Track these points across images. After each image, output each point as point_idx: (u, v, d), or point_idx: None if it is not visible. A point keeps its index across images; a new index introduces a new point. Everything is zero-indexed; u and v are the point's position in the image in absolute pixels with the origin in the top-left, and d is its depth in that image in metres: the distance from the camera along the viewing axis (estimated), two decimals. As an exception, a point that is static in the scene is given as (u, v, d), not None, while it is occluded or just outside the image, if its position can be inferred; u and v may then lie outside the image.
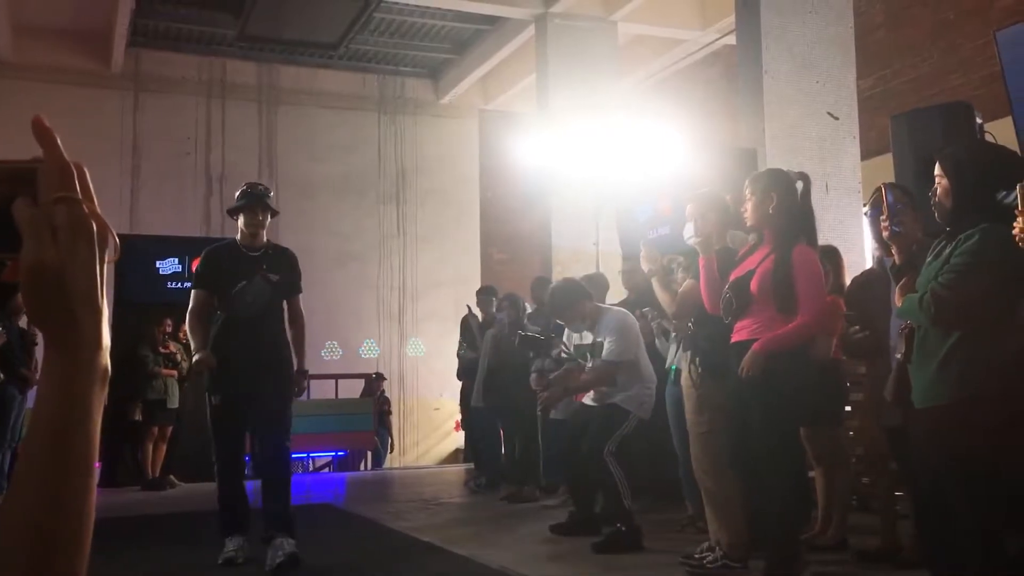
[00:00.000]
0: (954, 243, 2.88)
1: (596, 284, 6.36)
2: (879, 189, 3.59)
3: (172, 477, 8.93)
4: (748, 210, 3.76)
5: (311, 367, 11.69)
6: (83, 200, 0.73)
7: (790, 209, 3.73)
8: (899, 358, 3.17)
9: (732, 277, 3.83)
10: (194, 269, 4.97)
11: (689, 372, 4.26)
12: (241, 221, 4.90)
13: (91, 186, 0.75)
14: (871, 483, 4.60)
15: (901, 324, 3.15)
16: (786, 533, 3.76)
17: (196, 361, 4.80)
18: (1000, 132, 5.32)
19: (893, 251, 3.30)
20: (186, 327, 4.90)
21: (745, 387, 3.72)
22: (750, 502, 4.10)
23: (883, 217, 3.31)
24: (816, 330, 3.88)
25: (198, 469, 9.11)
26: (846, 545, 4.65)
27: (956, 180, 2.93)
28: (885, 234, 3.30)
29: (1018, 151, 5.02)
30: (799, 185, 3.83)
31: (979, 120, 4.95)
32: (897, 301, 3.12)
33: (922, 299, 2.86)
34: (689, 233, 4.10)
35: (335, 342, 12.35)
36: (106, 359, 0.74)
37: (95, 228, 0.73)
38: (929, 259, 3.04)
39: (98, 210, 0.75)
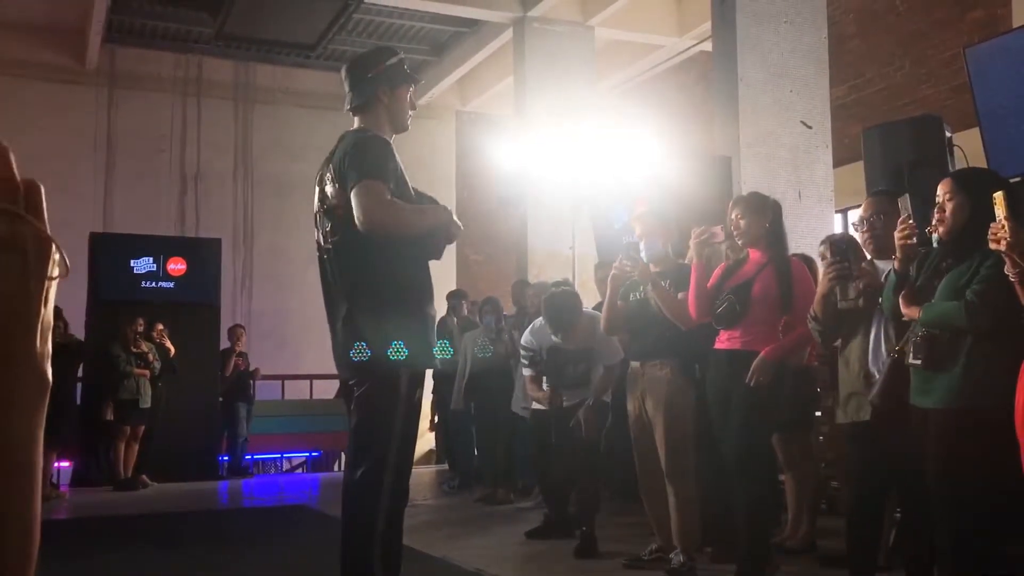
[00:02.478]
0: (981, 255, 3.02)
1: None
2: (902, 197, 3.61)
3: (144, 477, 8.90)
4: (741, 228, 3.96)
5: (287, 367, 11.78)
6: (25, 215, 0.73)
7: (780, 226, 4.02)
8: (894, 358, 3.29)
9: (727, 286, 3.97)
10: (369, 158, 2.94)
11: (671, 379, 4.32)
12: (399, 102, 3.16)
13: (42, 202, 0.74)
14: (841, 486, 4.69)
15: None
16: (758, 535, 3.85)
17: (445, 216, 3.06)
18: (969, 142, 5.43)
19: (897, 258, 3.31)
20: (384, 220, 2.88)
21: (728, 392, 3.85)
22: (712, 504, 4.23)
23: (903, 225, 3.27)
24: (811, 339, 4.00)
25: (172, 469, 9.11)
26: (814, 547, 4.74)
27: (977, 199, 3.03)
28: (905, 241, 3.25)
29: (985, 162, 5.13)
30: None
31: (948, 133, 5.05)
32: (906, 310, 3.19)
33: (966, 304, 3.00)
34: (654, 250, 4.27)
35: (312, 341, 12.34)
36: (42, 368, 0.74)
37: (34, 245, 0.73)
38: (926, 269, 3.16)
39: (43, 227, 0.74)
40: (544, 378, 5.40)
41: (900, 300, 3.22)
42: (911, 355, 3.18)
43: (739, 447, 3.84)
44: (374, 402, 2.95)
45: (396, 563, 2.96)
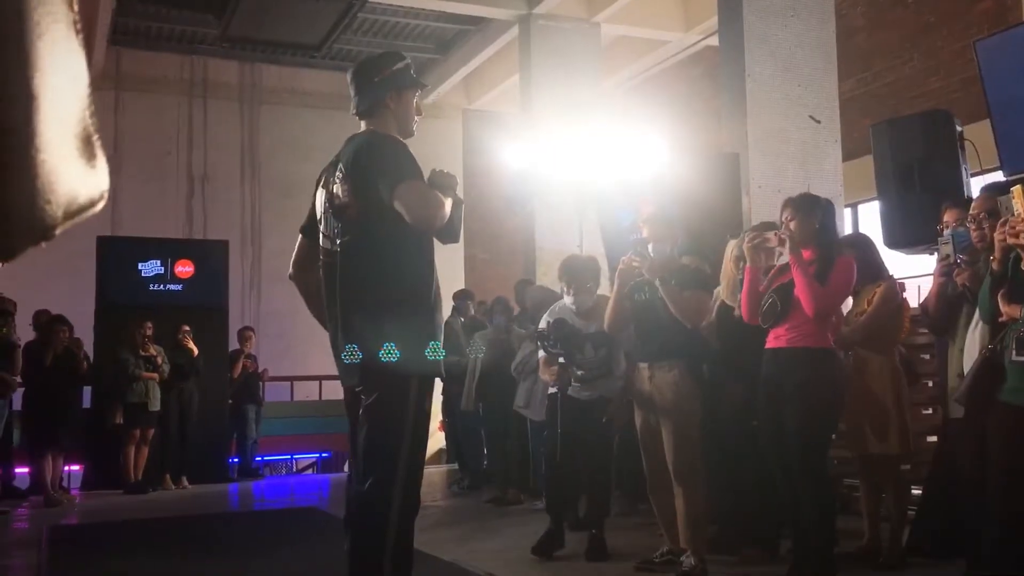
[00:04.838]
0: None
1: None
2: (1003, 195, 3.53)
3: (175, 478, 9.02)
4: (792, 229, 3.96)
5: (296, 368, 11.79)
6: None
7: (831, 225, 4.09)
8: (985, 355, 3.30)
9: (774, 287, 3.99)
10: (396, 161, 2.85)
11: (679, 381, 4.28)
12: (406, 107, 3.15)
13: None
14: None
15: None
16: (828, 538, 3.89)
17: (453, 181, 2.97)
18: (978, 135, 5.38)
19: (995, 258, 3.26)
20: (434, 214, 2.80)
21: (778, 391, 3.88)
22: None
23: (1004, 225, 3.18)
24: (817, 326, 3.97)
25: (182, 472, 9.14)
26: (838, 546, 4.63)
27: None
28: (1011, 240, 3.13)
29: (996, 156, 5.08)
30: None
31: (959, 127, 5.00)
32: (1006, 308, 3.15)
33: None
34: (662, 252, 4.23)
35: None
36: None
37: None
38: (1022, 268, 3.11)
39: None
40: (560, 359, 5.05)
41: (999, 299, 3.16)
42: (1014, 351, 3.11)
43: (801, 448, 3.84)
44: (384, 412, 2.87)
45: (407, 572, 2.91)
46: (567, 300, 5.11)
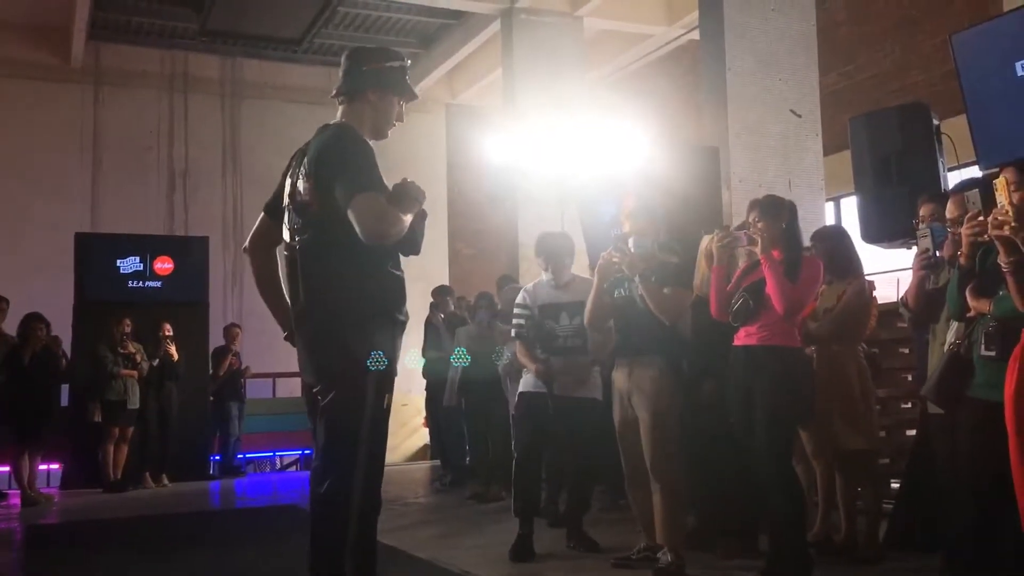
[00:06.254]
0: None
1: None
2: (971, 191, 3.34)
3: (155, 477, 8.95)
4: (760, 229, 3.98)
5: (278, 365, 11.72)
6: None
7: (795, 226, 4.11)
8: (952, 351, 3.27)
9: (744, 285, 4.02)
10: (358, 167, 2.82)
11: (658, 376, 4.27)
12: (387, 108, 3.07)
13: None
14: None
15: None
16: (799, 536, 3.87)
17: (417, 193, 2.89)
18: (958, 129, 5.37)
19: (963, 253, 3.20)
20: (387, 231, 2.78)
21: (748, 388, 3.90)
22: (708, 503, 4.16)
23: (973, 222, 3.09)
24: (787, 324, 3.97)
25: (189, 468, 9.11)
26: (830, 541, 4.58)
27: None
28: (975, 238, 3.09)
29: (973, 150, 5.07)
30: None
31: (935, 121, 4.99)
32: (975, 304, 3.13)
33: None
34: (643, 247, 4.20)
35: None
36: None
37: None
38: (990, 263, 3.05)
39: None
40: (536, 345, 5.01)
41: (967, 294, 3.15)
42: (983, 346, 3.11)
43: (768, 445, 3.84)
44: (341, 411, 2.83)
45: (370, 572, 2.87)
46: (544, 275, 5.15)
